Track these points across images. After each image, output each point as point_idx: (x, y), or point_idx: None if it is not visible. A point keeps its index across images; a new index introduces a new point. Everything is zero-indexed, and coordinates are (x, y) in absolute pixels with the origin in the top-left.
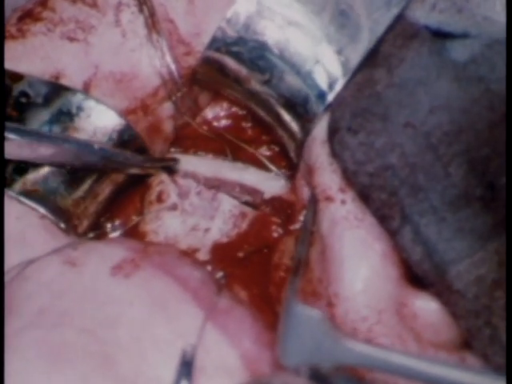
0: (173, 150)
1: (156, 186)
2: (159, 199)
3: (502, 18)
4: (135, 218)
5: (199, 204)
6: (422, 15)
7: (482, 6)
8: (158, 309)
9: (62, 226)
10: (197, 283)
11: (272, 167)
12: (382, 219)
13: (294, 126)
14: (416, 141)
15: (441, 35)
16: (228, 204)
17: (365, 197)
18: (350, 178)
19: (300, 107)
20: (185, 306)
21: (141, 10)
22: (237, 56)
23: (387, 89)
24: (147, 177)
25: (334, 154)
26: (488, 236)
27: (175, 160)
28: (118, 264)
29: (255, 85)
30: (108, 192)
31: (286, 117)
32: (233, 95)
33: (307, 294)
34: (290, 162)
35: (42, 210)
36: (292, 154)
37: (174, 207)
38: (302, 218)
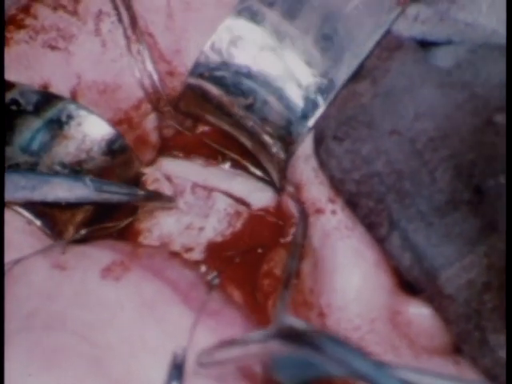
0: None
1: (151, 184)
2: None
3: (486, 20)
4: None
5: (194, 202)
6: (405, 28)
7: (463, 12)
8: (148, 311)
9: (48, 232)
10: (186, 285)
11: (259, 173)
12: (370, 226)
13: (277, 149)
14: (402, 147)
15: (425, 45)
16: (223, 203)
17: (352, 205)
18: (337, 186)
19: (282, 130)
20: (174, 308)
21: (120, 20)
22: (220, 80)
23: (372, 99)
24: None
25: (321, 163)
26: (476, 239)
27: (172, 199)
28: (108, 266)
29: (238, 110)
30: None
31: (269, 140)
32: (216, 123)
33: (298, 304)
34: None
35: (27, 215)
36: (274, 178)
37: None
38: (292, 231)
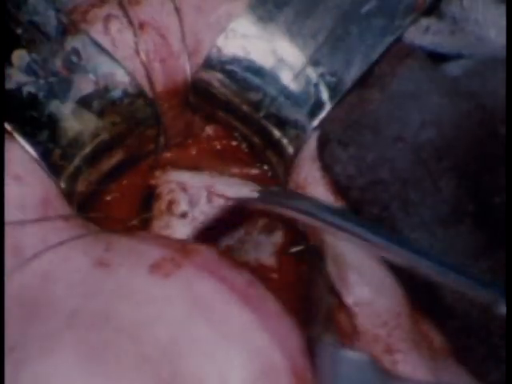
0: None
1: (166, 195)
2: (169, 208)
3: (497, 33)
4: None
5: (209, 212)
6: (416, 36)
7: (475, 25)
8: (199, 309)
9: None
10: (243, 284)
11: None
12: None
13: (284, 145)
14: (406, 155)
15: (436, 56)
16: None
17: (356, 211)
18: (341, 191)
19: (290, 126)
20: (232, 307)
21: (130, 22)
22: (231, 74)
23: (379, 105)
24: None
25: (325, 167)
26: (480, 254)
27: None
28: (157, 262)
29: (247, 105)
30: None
31: (276, 136)
32: (225, 118)
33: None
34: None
35: (32, 152)
36: (281, 175)
37: (183, 215)
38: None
